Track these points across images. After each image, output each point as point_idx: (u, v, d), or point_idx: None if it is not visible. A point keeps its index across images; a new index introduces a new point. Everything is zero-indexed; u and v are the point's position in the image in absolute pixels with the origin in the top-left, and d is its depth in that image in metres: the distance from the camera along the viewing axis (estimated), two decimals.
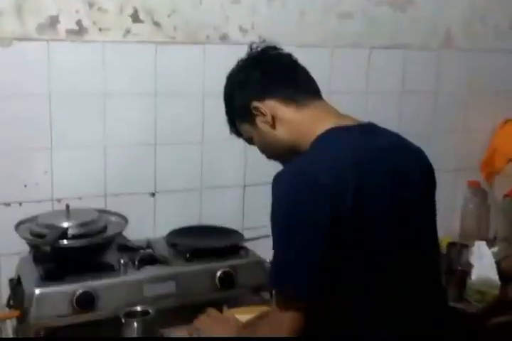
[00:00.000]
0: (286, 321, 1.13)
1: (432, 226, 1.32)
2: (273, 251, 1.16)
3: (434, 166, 1.37)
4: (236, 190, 2.12)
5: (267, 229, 1.99)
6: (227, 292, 1.72)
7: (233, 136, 2.02)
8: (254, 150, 2.06)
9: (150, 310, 1.55)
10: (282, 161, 1.38)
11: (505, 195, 2.15)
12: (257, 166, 2.11)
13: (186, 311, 1.66)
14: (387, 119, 2.31)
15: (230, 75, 1.41)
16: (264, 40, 1.45)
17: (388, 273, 1.19)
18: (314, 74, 2.24)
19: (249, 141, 1.42)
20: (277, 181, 1.16)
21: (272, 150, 1.38)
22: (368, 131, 1.29)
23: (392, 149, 1.27)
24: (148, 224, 1.98)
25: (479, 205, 2.45)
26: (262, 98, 1.31)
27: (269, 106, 1.30)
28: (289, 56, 1.40)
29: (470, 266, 2.00)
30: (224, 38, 2.01)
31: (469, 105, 2.45)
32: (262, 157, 2.07)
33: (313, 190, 1.11)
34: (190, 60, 1.97)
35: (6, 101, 1.75)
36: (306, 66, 2.15)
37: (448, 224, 2.44)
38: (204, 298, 1.70)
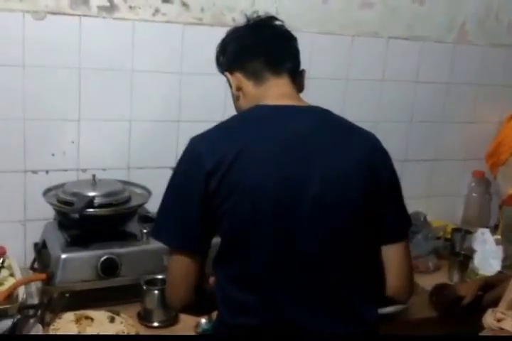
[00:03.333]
0: (171, 263, 1.26)
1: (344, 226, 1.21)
2: None
3: (443, 155, 1.32)
4: None
5: None
6: None
7: None
8: None
9: None
10: None
11: (503, 203, 2.19)
12: None
13: None
14: (400, 108, 2.42)
15: (223, 38, 1.43)
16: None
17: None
18: (334, 60, 2.31)
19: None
20: (187, 144, 1.26)
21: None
22: (303, 112, 1.28)
23: (308, 134, 1.22)
24: None
25: (482, 194, 2.53)
26: (232, 69, 1.35)
27: (237, 77, 1.33)
28: (280, 29, 1.39)
29: (473, 250, 2.08)
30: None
31: (479, 98, 2.51)
32: None
33: (193, 166, 1.20)
34: (215, 42, 2.01)
35: (38, 72, 1.81)
36: (326, 52, 2.21)
37: (451, 211, 2.53)
38: None
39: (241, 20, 2.00)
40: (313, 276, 1.21)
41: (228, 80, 1.36)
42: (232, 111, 2.07)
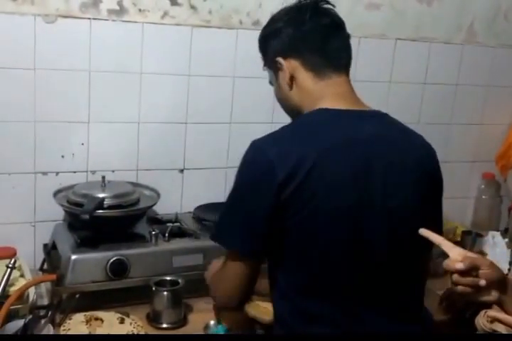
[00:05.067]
0: (234, 268, 1.27)
1: (404, 231, 1.23)
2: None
3: (451, 157, 1.36)
4: None
5: None
6: None
7: (259, 118, 2.11)
8: None
9: (179, 281, 1.63)
10: (291, 117, 1.38)
11: None
12: None
13: None
14: (408, 109, 2.41)
15: (274, 17, 1.35)
16: None
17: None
18: None
19: (271, 84, 1.40)
20: (249, 147, 1.23)
21: (282, 105, 1.38)
22: (365, 118, 1.26)
23: (374, 142, 1.22)
24: (175, 200, 2.05)
25: (492, 197, 2.52)
26: (287, 55, 1.28)
27: (292, 65, 1.27)
28: (335, 17, 1.31)
29: (483, 254, 2.07)
30: (256, 24, 2.06)
31: (488, 99, 2.50)
32: None
33: (262, 176, 1.17)
34: (223, 44, 2.03)
35: (49, 75, 1.82)
36: None
37: (461, 214, 2.52)
38: None
39: (248, 23, 2.05)
40: (386, 286, 1.24)
41: (276, 67, 1.30)
42: (238, 114, 2.13)
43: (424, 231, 1.17)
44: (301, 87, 1.28)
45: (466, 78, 2.44)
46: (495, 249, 2.05)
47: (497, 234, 2.12)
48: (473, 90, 2.46)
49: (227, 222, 1.26)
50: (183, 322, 1.61)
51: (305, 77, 1.28)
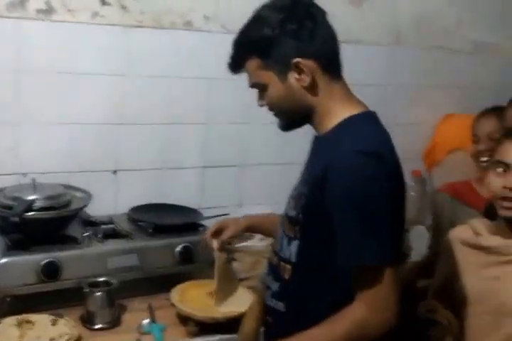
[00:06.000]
0: (390, 279, 1.19)
1: None
2: (352, 226, 1.19)
3: None
4: (196, 170, 2.20)
5: (224, 209, 2.12)
6: (186, 266, 1.81)
7: (195, 119, 2.13)
8: (214, 134, 2.18)
9: (113, 281, 1.63)
10: (285, 118, 1.35)
11: (438, 190, 2.24)
12: (216, 148, 2.21)
13: (147, 283, 1.76)
14: None
15: (274, 16, 1.26)
16: None
17: None
18: None
19: (257, 85, 1.32)
20: (351, 161, 1.18)
21: (285, 107, 1.31)
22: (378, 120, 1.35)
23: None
24: (109, 201, 2.04)
25: (420, 193, 2.61)
26: (308, 57, 1.24)
27: (311, 67, 1.24)
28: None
29: (409, 248, 2.15)
30: (188, 25, 2.08)
31: (415, 99, 2.60)
32: (222, 139, 2.19)
33: (395, 170, 1.24)
34: (156, 44, 2.04)
35: None
36: None
37: None
38: (164, 271, 1.79)
39: (180, 23, 2.07)
40: None
41: (288, 67, 1.25)
42: (175, 114, 2.14)
43: None
44: (318, 88, 1.27)
45: (395, 79, 2.53)
46: (420, 242, 2.13)
47: (422, 228, 2.20)
48: (402, 91, 2.56)
49: (381, 238, 1.19)
50: (116, 322, 1.61)
51: (322, 79, 1.26)
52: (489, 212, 1.55)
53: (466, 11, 2.64)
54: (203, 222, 1.94)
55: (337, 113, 1.28)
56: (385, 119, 1.24)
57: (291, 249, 1.30)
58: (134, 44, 1.99)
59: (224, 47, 2.14)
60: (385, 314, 1.20)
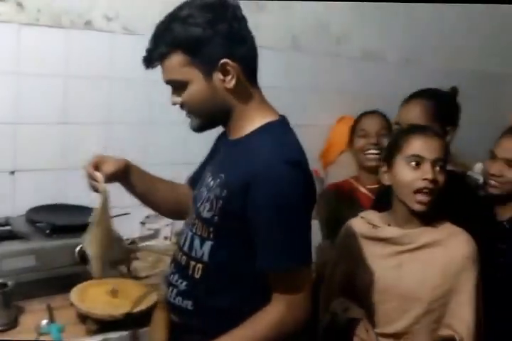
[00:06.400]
0: (308, 293, 1.30)
1: None
2: (277, 233, 1.24)
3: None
4: None
5: (120, 209, 2.12)
6: (86, 266, 1.79)
7: (93, 119, 2.12)
8: (115, 134, 2.18)
9: (8, 283, 1.60)
10: (201, 119, 1.33)
11: (325, 189, 2.38)
12: (117, 149, 2.20)
13: (47, 284, 1.74)
14: None
15: (202, 14, 1.25)
16: None
17: None
18: None
19: (175, 82, 1.30)
20: (279, 171, 1.22)
21: (204, 107, 1.31)
22: None
23: None
24: (6, 203, 2.00)
25: (318, 193, 2.72)
26: (234, 59, 1.25)
27: (236, 69, 1.25)
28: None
29: None
30: (88, 24, 2.08)
31: (311, 102, 2.72)
32: (120, 141, 2.19)
33: (311, 178, 1.29)
34: (54, 43, 2.02)
35: None
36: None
37: None
38: (64, 272, 1.77)
39: (80, 23, 2.06)
40: None
41: (213, 67, 1.25)
42: (72, 114, 2.12)
43: None
44: (239, 91, 1.28)
45: (291, 82, 2.63)
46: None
47: (315, 223, 2.31)
48: (297, 93, 2.66)
49: (304, 241, 1.27)
50: (13, 324, 1.58)
51: (243, 81, 1.28)
52: (377, 205, 1.66)
53: (355, 19, 2.78)
54: None
55: (254, 118, 1.32)
56: None
57: (204, 249, 1.34)
58: (30, 43, 1.96)
59: (125, 48, 2.17)
60: (301, 312, 1.30)
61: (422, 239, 1.56)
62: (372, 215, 1.67)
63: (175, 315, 1.40)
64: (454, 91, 1.90)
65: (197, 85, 1.27)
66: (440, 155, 1.54)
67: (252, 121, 1.32)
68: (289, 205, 1.23)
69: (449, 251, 1.54)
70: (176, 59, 1.26)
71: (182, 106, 1.33)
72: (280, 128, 1.34)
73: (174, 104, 1.33)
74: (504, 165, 1.77)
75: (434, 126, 1.71)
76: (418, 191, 1.52)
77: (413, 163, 1.54)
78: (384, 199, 1.64)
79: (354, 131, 2.31)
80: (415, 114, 1.78)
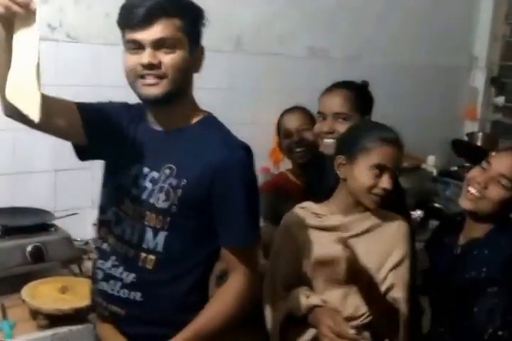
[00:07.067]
0: (257, 276, 1.48)
1: None
2: (244, 210, 1.40)
3: None
4: (48, 174, 2.25)
5: (78, 210, 2.17)
6: (38, 265, 1.87)
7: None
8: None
9: None
10: (173, 84, 1.36)
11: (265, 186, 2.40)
12: (69, 152, 2.26)
13: (0, 283, 1.80)
14: None
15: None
16: None
17: None
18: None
19: (166, 41, 1.34)
20: (246, 150, 1.42)
21: (181, 74, 1.37)
22: None
23: None
24: None
25: None
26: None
27: (203, 57, 1.46)
28: None
29: None
30: None
31: (257, 101, 2.81)
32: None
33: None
34: None
35: None
36: (109, 62, 2.26)
37: None
38: (16, 271, 1.84)
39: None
40: None
41: (196, 47, 1.42)
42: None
43: None
44: (193, 81, 1.44)
45: (237, 83, 2.72)
46: None
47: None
48: (244, 94, 2.76)
49: (256, 219, 1.46)
50: None
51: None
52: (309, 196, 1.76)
53: (300, 18, 2.88)
54: (55, 222, 2.01)
55: (195, 109, 1.47)
56: (227, 120, 1.41)
57: (158, 240, 1.40)
58: None
59: (70, 55, 2.22)
60: (255, 290, 1.47)
61: (365, 224, 1.65)
62: (312, 206, 1.72)
63: (119, 307, 1.44)
64: (365, 84, 1.98)
65: (184, 53, 1.37)
66: (399, 166, 1.63)
67: (196, 112, 1.45)
68: (254, 185, 1.43)
69: (386, 233, 1.64)
70: (177, 22, 1.35)
71: (158, 67, 1.34)
72: (218, 121, 1.48)
73: (150, 63, 1.33)
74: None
75: (355, 115, 1.82)
76: (374, 194, 1.59)
77: (377, 171, 1.58)
78: (315, 190, 1.72)
79: (278, 131, 2.42)
80: (338, 102, 1.86)
